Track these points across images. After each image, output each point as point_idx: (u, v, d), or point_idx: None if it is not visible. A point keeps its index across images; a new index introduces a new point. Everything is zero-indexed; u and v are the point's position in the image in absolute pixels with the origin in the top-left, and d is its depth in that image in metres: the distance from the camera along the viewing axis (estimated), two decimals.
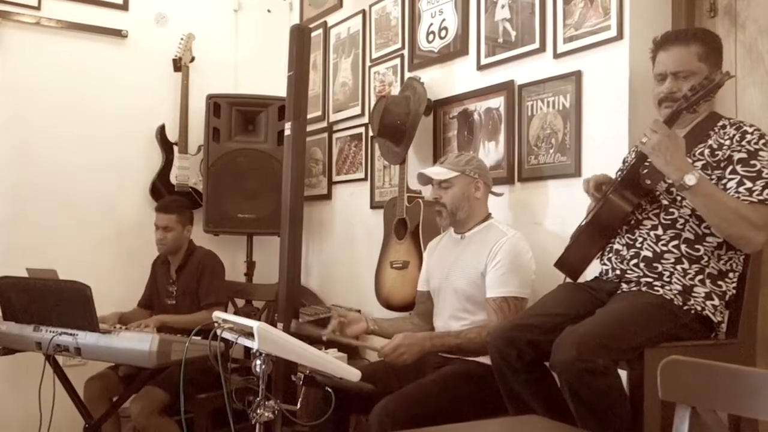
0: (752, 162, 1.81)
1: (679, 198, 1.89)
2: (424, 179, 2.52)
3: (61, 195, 3.59)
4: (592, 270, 2.11)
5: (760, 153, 1.82)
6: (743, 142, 1.84)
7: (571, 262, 2.08)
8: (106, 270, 3.58)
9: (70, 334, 2.46)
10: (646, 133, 1.82)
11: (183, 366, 2.11)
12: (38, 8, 3.56)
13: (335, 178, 3.82)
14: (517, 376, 1.89)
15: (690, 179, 1.75)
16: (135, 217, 3.75)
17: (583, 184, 2.11)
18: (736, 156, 1.83)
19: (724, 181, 1.84)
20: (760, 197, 1.78)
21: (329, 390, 1.91)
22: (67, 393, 2.73)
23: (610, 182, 2.05)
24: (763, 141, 1.84)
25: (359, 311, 3.42)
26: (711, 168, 1.86)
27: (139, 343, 2.40)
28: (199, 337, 2.13)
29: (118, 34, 3.75)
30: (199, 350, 2.24)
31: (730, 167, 1.83)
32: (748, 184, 1.79)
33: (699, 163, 1.88)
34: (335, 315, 2.40)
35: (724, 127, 1.92)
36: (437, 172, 2.46)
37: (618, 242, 2.00)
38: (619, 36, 2.34)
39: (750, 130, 1.86)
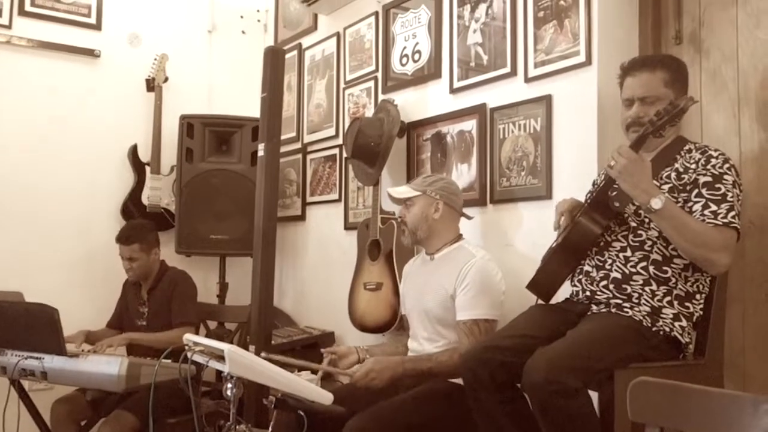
0: (717, 185, 1.85)
1: (647, 220, 1.92)
2: (391, 198, 2.57)
3: (29, 215, 3.53)
4: (564, 291, 2.13)
5: (725, 177, 1.86)
6: (708, 166, 1.88)
7: (542, 284, 2.09)
8: (75, 292, 3.52)
9: (37, 358, 2.41)
10: (614, 158, 1.85)
11: (152, 390, 2.08)
12: (9, 27, 3.53)
13: (309, 199, 3.82)
14: (489, 398, 1.90)
15: (656, 203, 1.78)
16: (105, 238, 3.68)
17: (555, 221, 2.12)
18: (702, 179, 1.87)
19: (690, 204, 1.87)
20: (725, 220, 1.82)
21: (301, 413, 1.89)
22: (33, 418, 2.67)
23: (578, 206, 2.08)
24: (727, 165, 1.88)
25: (333, 333, 3.41)
26: (677, 191, 1.90)
27: (108, 366, 2.36)
28: (169, 360, 2.10)
29: (90, 53, 3.72)
30: (169, 373, 2.21)
31: (696, 190, 1.87)
32: (713, 207, 1.83)
33: (666, 186, 1.92)
34: (327, 353, 2.40)
35: (690, 151, 1.96)
36: (399, 191, 2.53)
37: (588, 264, 2.02)
38: (588, 61, 2.39)
39: (715, 154, 1.91)
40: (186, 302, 3.19)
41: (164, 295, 3.18)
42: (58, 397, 2.96)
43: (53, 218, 3.59)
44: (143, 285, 3.25)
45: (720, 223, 1.81)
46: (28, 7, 3.58)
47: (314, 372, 2.46)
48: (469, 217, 2.58)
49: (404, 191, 2.50)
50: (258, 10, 4.26)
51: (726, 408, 1.17)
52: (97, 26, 3.77)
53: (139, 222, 3.50)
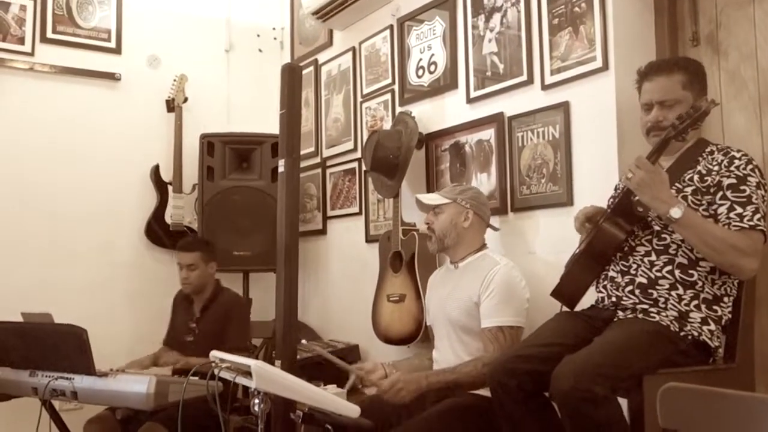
0: (741, 187, 1.83)
1: None
2: (419, 204, 2.57)
3: (55, 237, 3.59)
4: (589, 298, 2.11)
5: (749, 178, 1.84)
6: (731, 168, 1.86)
7: (567, 291, 2.08)
8: (101, 312, 3.56)
9: (67, 378, 2.44)
10: (631, 170, 1.84)
11: (180, 407, 2.09)
12: (32, 54, 3.60)
13: (330, 213, 3.83)
14: (517, 407, 1.89)
15: (675, 212, 1.78)
16: (130, 257, 3.76)
17: (575, 222, 2.12)
18: (726, 181, 1.86)
19: (714, 206, 1.86)
20: (751, 223, 1.80)
21: (329, 427, 1.89)
22: None
23: (600, 212, 2.07)
24: (750, 166, 1.86)
25: (357, 346, 3.42)
26: (701, 193, 1.88)
27: (136, 385, 2.37)
28: (197, 378, 2.11)
29: (111, 77, 3.79)
30: (197, 390, 2.22)
31: (720, 193, 1.85)
32: (739, 210, 1.81)
33: (689, 189, 1.90)
34: (353, 370, 2.42)
35: (712, 152, 1.95)
36: (430, 198, 2.54)
37: (612, 269, 2.01)
38: (605, 67, 2.39)
39: (738, 155, 1.89)
40: (244, 327, 3.23)
41: (218, 317, 3.17)
42: (89, 417, 2.99)
43: (78, 239, 3.65)
44: (196, 300, 3.25)
45: (746, 225, 1.80)
46: (49, 34, 3.65)
47: (345, 377, 2.47)
48: (495, 229, 2.58)
49: (435, 198, 2.52)
50: (274, 28, 4.31)
51: (759, 412, 1.16)
52: (117, 50, 3.83)
53: (199, 237, 3.58)
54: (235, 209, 3.70)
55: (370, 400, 2.49)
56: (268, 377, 1.74)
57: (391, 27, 3.41)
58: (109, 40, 3.81)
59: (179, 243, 3.31)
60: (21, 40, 3.58)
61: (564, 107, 2.52)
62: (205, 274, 3.22)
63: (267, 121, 3.82)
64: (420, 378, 2.25)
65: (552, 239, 2.56)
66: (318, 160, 3.93)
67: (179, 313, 3.31)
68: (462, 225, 2.46)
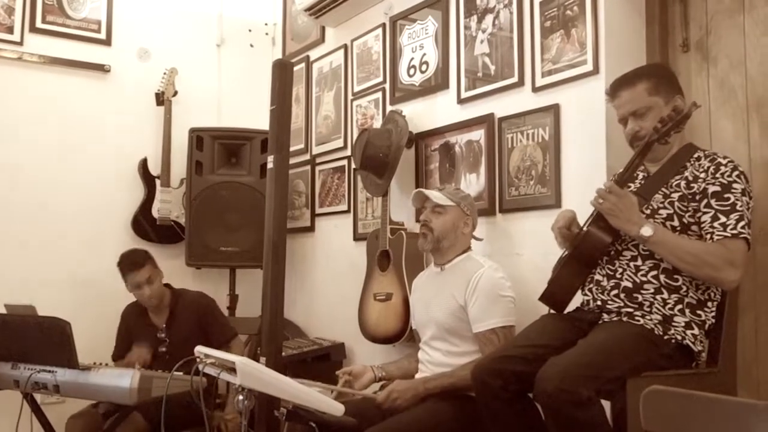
0: (726, 195, 1.84)
1: None
2: (421, 198, 2.53)
3: (41, 229, 3.56)
4: (574, 300, 2.12)
5: (734, 185, 1.85)
6: (717, 175, 1.87)
7: (555, 295, 2.08)
8: (86, 305, 3.53)
9: (49, 371, 2.42)
10: (603, 196, 1.88)
11: (164, 403, 2.08)
12: (20, 44, 3.57)
13: (318, 211, 3.83)
14: (502, 408, 1.90)
15: (646, 230, 1.81)
16: (116, 251, 3.69)
17: (557, 238, 2.12)
18: (711, 189, 1.86)
19: (699, 214, 1.87)
20: (734, 231, 1.80)
21: (313, 425, 1.89)
22: None
23: (573, 218, 2.08)
24: (736, 173, 1.87)
25: (343, 344, 3.41)
26: (687, 200, 1.89)
27: (120, 379, 2.37)
28: (180, 373, 2.10)
29: (100, 68, 3.76)
30: (181, 386, 2.21)
31: (705, 201, 1.86)
32: (722, 219, 1.82)
33: (676, 195, 1.91)
34: (341, 375, 2.44)
35: (699, 158, 1.95)
36: (436, 195, 2.49)
37: (598, 273, 2.02)
38: (595, 70, 2.40)
39: (724, 162, 1.89)
40: (225, 319, 3.23)
41: (189, 320, 3.08)
42: (71, 413, 2.96)
43: (64, 231, 3.62)
44: (153, 312, 3.13)
45: (729, 234, 1.80)
46: (39, 24, 3.62)
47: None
48: (478, 239, 2.59)
49: (441, 197, 2.48)
50: (266, 24, 4.30)
51: (740, 416, 1.17)
52: (107, 42, 3.80)
53: (134, 248, 3.31)
54: (223, 205, 3.68)
55: (354, 399, 2.49)
56: (253, 374, 1.73)
57: (383, 25, 3.41)
58: (99, 31, 3.78)
59: (125, 264, 3.07)
60: (10, 30, 3.54)
61: (554, 110, 2.53)
62: (161, 283, 3.11)
63: (257, 117, 3.81)
64: (417, 385, 2.29)
65: (539, 241, 2.56)
66: (307, 157, 3.92)
67: (138, 330, 3.13)
68: (462, 230, 2.48)
